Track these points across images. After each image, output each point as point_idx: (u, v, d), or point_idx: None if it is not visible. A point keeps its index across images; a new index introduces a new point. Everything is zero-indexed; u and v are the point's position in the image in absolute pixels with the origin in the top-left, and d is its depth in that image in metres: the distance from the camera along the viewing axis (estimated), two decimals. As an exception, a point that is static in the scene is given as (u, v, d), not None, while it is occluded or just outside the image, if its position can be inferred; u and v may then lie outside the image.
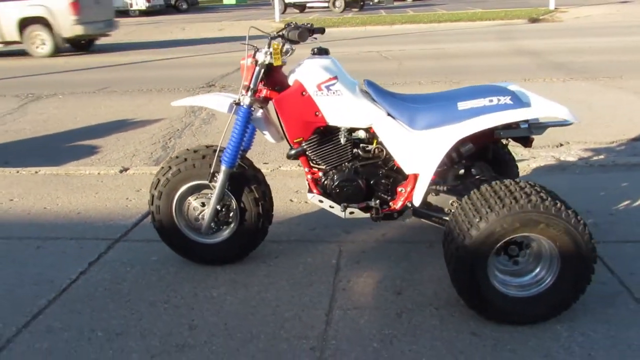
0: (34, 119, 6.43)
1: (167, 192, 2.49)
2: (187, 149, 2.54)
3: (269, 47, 2.23)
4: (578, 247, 1.93)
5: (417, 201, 2.30)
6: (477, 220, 1.94)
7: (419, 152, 2.27)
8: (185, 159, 2.47)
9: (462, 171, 2.83)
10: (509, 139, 2.42)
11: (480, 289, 2.03)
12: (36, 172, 4.23)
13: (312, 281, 2.46)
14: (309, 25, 2.44)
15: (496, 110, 2.19)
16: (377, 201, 2.44)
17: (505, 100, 2.21)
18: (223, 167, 2.39)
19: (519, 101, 2.21)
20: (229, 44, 12.96)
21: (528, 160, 3.99)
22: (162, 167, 2.51)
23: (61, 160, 4.79)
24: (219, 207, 2.46)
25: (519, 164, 2.93)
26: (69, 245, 2.91)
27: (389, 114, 2.32)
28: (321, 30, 2.68)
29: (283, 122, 2.35)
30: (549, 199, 1.93)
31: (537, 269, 2.09)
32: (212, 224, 2.49)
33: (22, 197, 3.68)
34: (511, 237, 1.96)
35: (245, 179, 2.47)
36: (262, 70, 2.29)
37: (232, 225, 2.55)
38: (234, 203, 2.50)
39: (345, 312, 2.22)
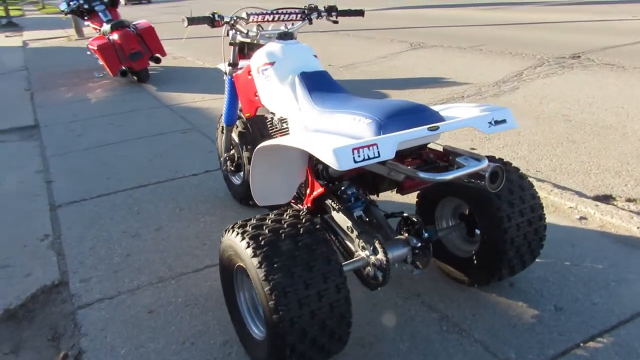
0: (392, 65, 7.60)
1: (220, 137, 3.20)
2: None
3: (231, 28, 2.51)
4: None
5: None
6: (224, 232, 1.86)
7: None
8: (226, 113, 3.08)
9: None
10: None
11: (231, 302, 1.95)
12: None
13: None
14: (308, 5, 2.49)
15: (335, 133, 1.80)
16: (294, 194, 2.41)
17: (363, 124, 1.75)
18: (223, 124, 2.89)
19: (375, 130, 1.71)
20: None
21: None
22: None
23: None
24: (225, 156, 3.00)
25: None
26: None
27: (300, 111, 2.21)
28: (358, 13, 2.61)
29: (239, 96, 2.60)
30: (266, 240, 1.62)
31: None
32: (224, 168, 3.06)
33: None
34: (240, 264, 1.78)
35: (244, 138, 2.88)
36: (236, 48, 2.58)
37: (241, 174, 3.04)
38: (236, 157, 2.97)
39: (186, 275, 2.48)
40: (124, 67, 6.64)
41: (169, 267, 2.54)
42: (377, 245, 1.86)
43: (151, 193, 3.40)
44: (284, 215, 1.77)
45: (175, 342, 2.02)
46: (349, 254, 2.06)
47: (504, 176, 1.73)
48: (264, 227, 1.69)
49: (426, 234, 1.96)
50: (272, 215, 1.78)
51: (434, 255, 2.35)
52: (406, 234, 2.01)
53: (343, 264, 1.90)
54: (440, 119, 1.80)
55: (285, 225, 1.70)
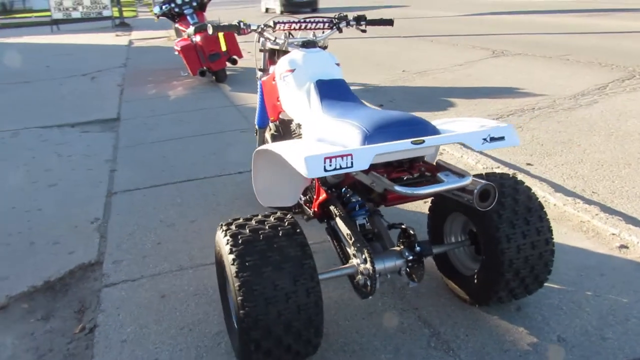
0: (467, 73, 7.39)
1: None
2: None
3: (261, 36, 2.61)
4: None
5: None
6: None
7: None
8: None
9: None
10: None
11: (222, 294, 2.06)
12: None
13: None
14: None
15: (331, 140, 1.85)
16: (306, 198, 2.47)
17: (352, 134, 1.78)
18: (256, 127, 3.02)
19: (361, 139, 1.74)
20: None
21: None
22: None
23: (409, 107, 5.75)
24: (259, 157, 3.13)
25: None
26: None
27: (311, 117, 2.27)
28: (387, 22, 2.64)
29: (265, 101, 2.70)
30: (244, 239, 1.70)
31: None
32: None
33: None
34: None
35: (276, 140, 2.98)
36: (266, 54, 2.69)
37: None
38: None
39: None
40: (203, 68, 7.05)
41: (191, 257, 2.70)
42: (366, 254, 1.88)
43: (196, 187, 3.62)
44: (270, 217, 1.84)
45: (175, 327, 2.17)
46: (347, 260, 2.08)
47: (495, 195, 1.68)
48: (246, 227, 1.78)
49: (418, 248, 1.94)
50: (259, 217, 1.86)
51: (441, 271, 2.32)
52: (401, 246, 2.00)
53: (329, 270, 1.95)
54: (435, 132, 1.79)
55: (266, 227, 1.77)
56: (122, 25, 18.64)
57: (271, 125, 2.98)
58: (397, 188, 1.63)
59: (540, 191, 3.26)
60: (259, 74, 2.83)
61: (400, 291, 2.32)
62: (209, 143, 4.62)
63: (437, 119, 1.93)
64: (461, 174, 1.70)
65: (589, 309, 2.14)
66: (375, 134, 1.73)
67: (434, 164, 1.85)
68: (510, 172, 3.59)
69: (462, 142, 1.74)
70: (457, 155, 4.03)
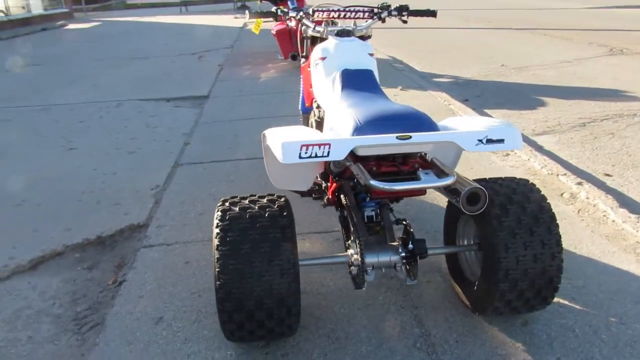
0: (573, 71, 6.82)
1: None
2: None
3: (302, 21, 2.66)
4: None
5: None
6: (221, 204, 2.08)
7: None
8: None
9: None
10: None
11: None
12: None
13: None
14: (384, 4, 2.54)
15: (334, 129, 1.88)
16: (326, 185, 2.51)
17: (347, 124, 1.80)
18: (300, 112, 3.10)
19: (351, 131, 1.76)
20: None
21: None
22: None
23: (488, 104, 5.48)
24: (303, 141, 3.21)
25: None
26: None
27: (331, 105, 2.29)
28: (430, 13, 2.59)
29: (303, 87, 2.75)
30: (231, 215, 1.80)
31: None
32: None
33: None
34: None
35: (320, 127, 3.04)
36: (307, 41, 2.74)
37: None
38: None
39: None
40: (295, 52, 7.26)
41: (224, 230, 2.87)
42: (358, 246, 1.90)
43: (250, 166, 3.80)
44: (264, 199, 1.92)
45: (188, 291, 2.35)
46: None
47: (485, 200, 1.62)
48: (238, 205, 1.87)
49: (411, 246, 1.91)
50: (255, 197, 1.95)
51: (451, 274, 2.25)
52: (400, 242, 1.99)
53: (322, 256, 1.99)
54: (431, 129, 1.75)
55: (256, 207, 1.85)
56: (243, 7, 19.61)
57: (315, 110, 3.04)
58: (371, 182, 1.62)
59: (602, 204, 2.97)
60: (302, 60, 2.89)
61: (405, 288, 2.29)
62: (276, 124, 4.78)
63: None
64: (446, 174, 1.64)
65: (606, 336, 1.96)
66: (365, 126, 1.73)
67: (430, 161, 1.80)
68: (578, 180, 3.32)
69: (454, 142, 1.68)
70: (524, 158, 3.79)
